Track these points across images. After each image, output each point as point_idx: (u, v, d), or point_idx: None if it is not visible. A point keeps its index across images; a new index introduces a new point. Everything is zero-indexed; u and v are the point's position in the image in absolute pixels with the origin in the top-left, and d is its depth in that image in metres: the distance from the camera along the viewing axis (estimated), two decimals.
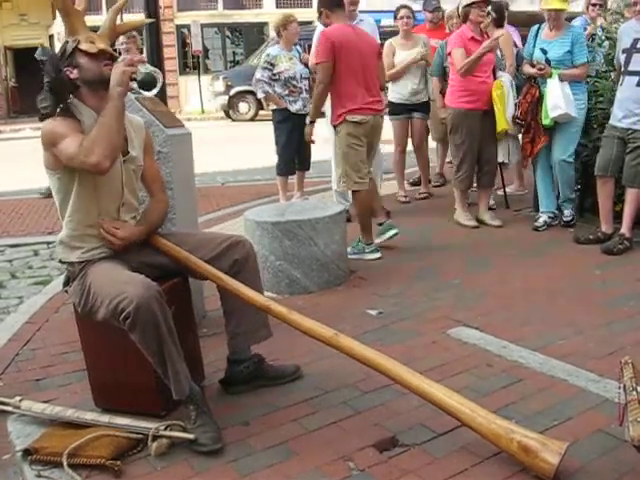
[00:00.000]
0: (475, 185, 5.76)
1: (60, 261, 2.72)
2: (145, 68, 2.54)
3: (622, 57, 4.66)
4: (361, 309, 3.79)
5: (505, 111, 5.23)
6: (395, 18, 6.51)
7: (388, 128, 6.35)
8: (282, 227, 4.08)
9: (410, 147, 6.73)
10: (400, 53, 6.34)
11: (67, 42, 2.58)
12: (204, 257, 2.71)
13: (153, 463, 2.37)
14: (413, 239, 5.22)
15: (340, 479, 2.24)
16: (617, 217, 4.83)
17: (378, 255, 4.74)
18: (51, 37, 23.65)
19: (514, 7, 12.33)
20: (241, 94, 17.64)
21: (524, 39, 6.47)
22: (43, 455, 2.38)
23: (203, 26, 22.47)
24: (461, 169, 5.50)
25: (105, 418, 2.55)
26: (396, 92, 6.35)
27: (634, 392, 2.14)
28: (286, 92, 6.22)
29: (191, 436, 2.42)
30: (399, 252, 4.91)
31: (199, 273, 2.74)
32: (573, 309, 3.68)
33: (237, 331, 2.83)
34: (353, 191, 4.79)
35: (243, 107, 17.95)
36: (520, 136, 5.56)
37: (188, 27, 22.24)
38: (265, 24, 23.21)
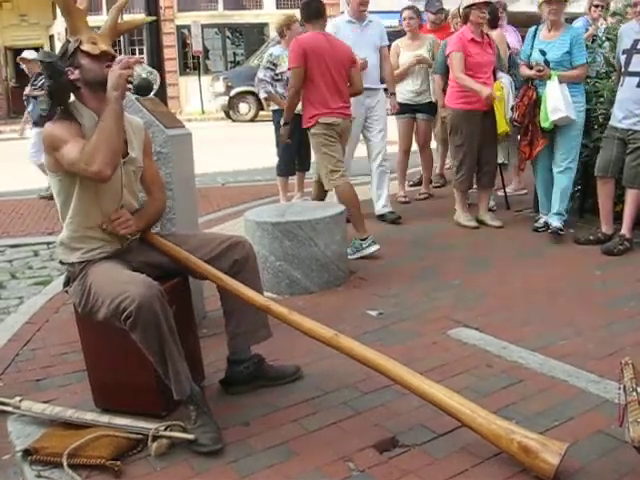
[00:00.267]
0: (475, 186, 5.76)
1: (60, 262, 2.73)
2: (142, 69, 2.53)
3: (622, 58, 4.66)
4: (361, 310, 3.79)
5: (506, 113, 5.22)
6: (401, 19, 6.55)
7: (393, 128, 6.37)
8: (282, 227, 4.08)
9: (414, 147, 6.74)
10: (405, 54, 6.37)
11: (69, 42, 2.58)
12: (204, 257, 2.72)
13: (153, 463, 2.37)
14: (413, 239, 5.22)
15: (340, 479, 2.24)
16: (617, 218, 4.83)
17: (377, 247, 4.76)
18: (51, 37, 23.65)
19: (514, 7, 12.33)
20: (241, 95, 17.65)
21: (523, 39, 6.48)
22: (43, 455, 2.38)
23: (203, 26, 22.48)
24: (461, 170, 5.50)
25: (105, 418, 2.55)
26: (400, 92, 6.36)
27: (634, 393, 2.14)
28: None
29: (191, 436, 2.42)
30: (399, 252, 4.91)
31: (199, 273, 2.75)
32: (573, 310, 3.68)
33: (237, 331, 2.84)
34: (337, 186, 4.90)
35: (243, 108, 17.95)
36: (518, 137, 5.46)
37: (188, 27, 22.24)
38: (265, 25, 23.23)
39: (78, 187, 2.55)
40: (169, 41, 21.57)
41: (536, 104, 4.97)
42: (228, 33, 24.65)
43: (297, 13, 6.98)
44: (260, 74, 6.26)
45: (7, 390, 2.96)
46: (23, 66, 7.55)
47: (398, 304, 3.87)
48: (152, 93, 2.62)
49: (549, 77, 4.86)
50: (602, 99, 5.22)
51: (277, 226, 4.09)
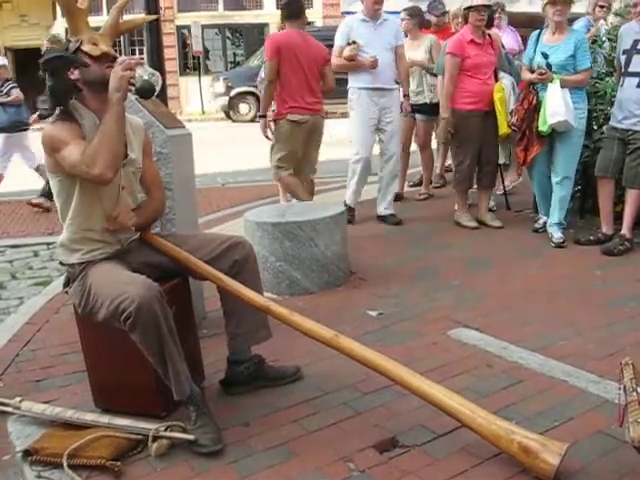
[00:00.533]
0: (475, 186, 5.75)
1: (61, 263, 2.72)
2: (144, 70, 2.52)
3: (622, 58, 4.66)
4: (361, 310, 3.79)
5: (507, 114, 5.21)
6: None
7: None
8: (282, 228, 4.08)
9: (413, 148, 6.74)
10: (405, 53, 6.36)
11: (69, 42, 2.58)
12: (204, 258, 2.71)
13: (153, 464, 2.37)
14: (413, 240, 5.22)
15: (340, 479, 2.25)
16: (617, 218, 4.83)
17: None
18: None
19: (514, 8, 12.32)
20: (241, 95, 17.64)
21: (523, 39, 6.47)
22: (43, 456, 2.38)
23: (203, 27, 22.47)
24: (461, 170, 5.50)
25: (105, 419, 2.55)
26: None
27: (634, 393, 2.14)
28: None
29: (191, 437, 2.42)
30: (399, 253, 4.91)
31: (199, 274, 2.74)
32: (573, 310, 3.68)
33: (237, 332, 2.83)
34: (282, 176, 5.36)
35: (243, 108, 17.94)
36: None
37: (188, 28, 22.23)
38: (265, 25, 23.20)
39: (78, 188, 2.55)
40: (169, 41, 21.54)
41: (536, 109, 4.87)
42: (228, 33, 24.63)
43: None
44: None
45: (7, 390, 2.96)
46: None
47: (398, 304, 3.87)
48: (156, 92, 2.62)
49: (551, 81, 4.75)
50: (602, 99, 5.21)
51: (277, 226, 4.09)
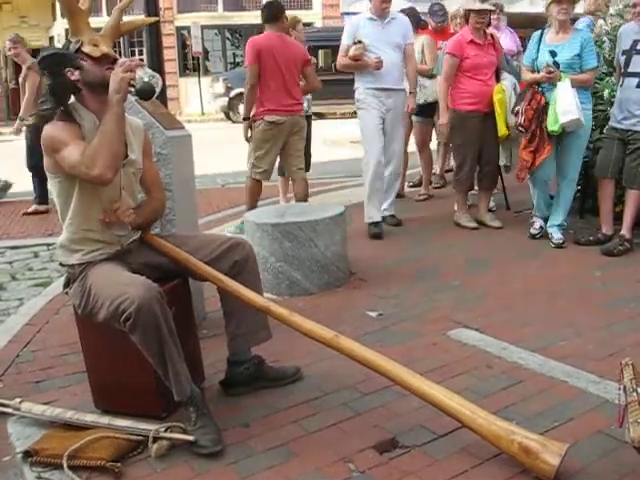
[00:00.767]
0: (476, 187, 5.75)
1: (60, 264, 2.72)
2: (144, 72, 2.52)
3: (622, 58, 4.66)
4: (361, 310, 3.79)
5: (507, 116, 5.18)
6: None
7: None
8: (282, 228, 4.08)
9: (413, 148, 6.74)
10: None
11: (70, 42, 2.58)
12: (204, 258, 2.72)
13: (153, 465, 2.36)
14: (413, 240, 5.22)
15: None
16: (617, 218, 4.83)
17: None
18: (51, 39, 23.65)
19: (515, 9, 12.32)
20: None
21: (522, 40, 6.46)
22: (43, 457, 2.38)
23: (203, 28, 22.48)
24: (461, 171, 5.49)
25: (105, 420, 2.55)
26: None
27: (634, 393, 2.14)
28: None
29: (191, 438, 2.42)
30: (399, 253, 4.92)
31: (199, 274, 2.74)
32: (573, 310, 3.68)
33: (237, 332, 2.83)
34: (250, 178, 5.49)
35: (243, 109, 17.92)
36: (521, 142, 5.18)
37: (188, 29, 22.24)
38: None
39: (78, 189, 2.55)
40: (169, 42, 21.55)
41: (544, 109, 4.74)
42: (228, 34, 24.64)
43: (297, 14, 7.04)
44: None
45: (7, 391, 2.96)
46: None
47: (398, 305, 3.87)
48: (156, 94, 2.62)
49: (559, 79, 4.64)
50: (601, 99, 5.21)
51: (277, 227, 4.09)
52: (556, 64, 4.71)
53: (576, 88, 4.65)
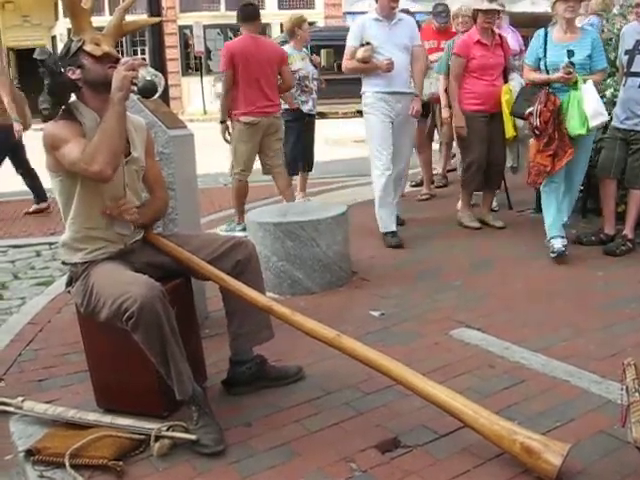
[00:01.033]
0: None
1: (63, 262, 2.72)
2: (147, 71, 2.52)
3: (624, 58, 4.65)
4: (363, 310, 3.79)
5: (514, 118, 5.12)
6: None
7: None
8: (284, 228, 4.09)
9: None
10: None
11: (72, 41, 2.58)
12: (206, 258, 2.72)
13: (155, 464, 2.37)
14: (415, 240, 5.22)
15: None
16: (620, 218, 4.83)
17: (245, 233, 4.79)
18: (54, 38, 23.66)
19: (516, 8, 12.31)
20: None
21: (524, 39, 6.43)
22: (45, 456, 2.38)
23: (205, 27, 22.48)
24: (469, 170, 5.42)
25: (107, 419, 2.55)
26: None
27: (636, 393, 2.14)
28: (298, 91, 6.27)
29: (193, 437, 2.42)
30: (401, 253, 4.92)
31: (201, 274, 2.74)
32: (575, 310, 3.67)
33: (239, 332, 2.83)
34: (235, 179, 5.69)
35: None
36: (531, 144, 4.85)
37: (190, 28, 22.25)
38: (267, 25, 23.20)
39: (79, 187, 2.55)
40: (171, 42, 21.56)
41: (559, 111, 4.49)
42: (230, 34, 24.58)
43: (300, 13, 7.06)
44: None
45: (9, 390, 2.96)
46: None
47: (400, 305, 3.87)
48: (156, 96, 2.62)
49: (575, 81, 4.42)
50: (603, 100, 5.20)
51: (279, 226, 4.10)
52: (572, 64, 4.52)
53: None
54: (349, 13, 22.78)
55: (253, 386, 2.87)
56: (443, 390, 2.40)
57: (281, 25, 21.77)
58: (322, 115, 16.55)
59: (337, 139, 12.60)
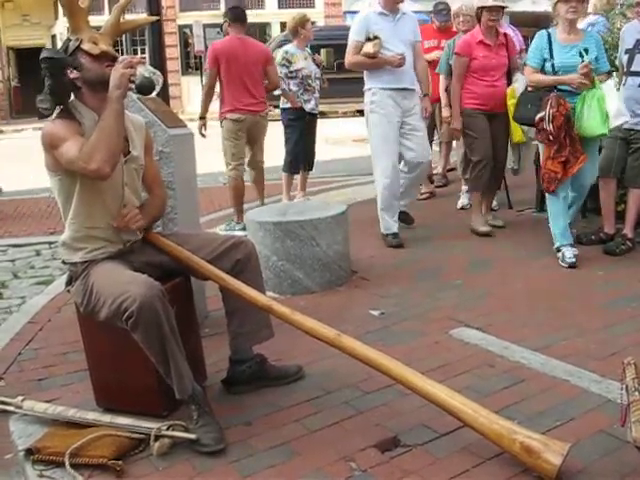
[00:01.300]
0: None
1: (63, 262, 2.72)
2: (145, 69, 2.53)
3: (624, 58, 4.65)
4: (363, 309, 3.79)
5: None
6: None
7: None
8: (284, 227, 4.08)
9: None
10: None
11: (69, 40, 2.58)
12: (206, 257, 2.72)
13: (155, 463, 2.37)
14: (415, 239, 5.21)
15: (342, 479, 2.24)
16: (619, 218, 4.83)
17: (245, 232, 4.80)
18: (53, 37, 23.67)
19: (517, 8, 12.31)
20: None
21: (525, 39, 6.42)
22: (45, 455, 2.38)
23: (205, 26, 22.44)
24: (475, 169, 5.27)
25: (107, 418, 2.55)
26: None
27: (636, 393, 2.14)
28: (301, 90, 6.29)
29: (193, 436, 2.42)
30: (401, 252, 4.91)
31: (201, 273, 2.74)
32: (575, 310, 3.67)
33: (239, 331, 2.83)
34: (231, 179, 5.84)
35: None
36: (542, 151, 4.62)
37: (190, 27, 22.23)
38: (267, 24, 23.21)
39: (79, 187, 2.55)
40: (171, 41, 21.58)
41: (570, 115, 4.34)
42: None
43: (304, 13, 7.08)
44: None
45: (9, 390, 2.96)
46: None
47: (400, 304, 3.87)
48: (154, 93, 2.62)
49: (593, 83, 4.29)
50: None
51: (279, 226, 4.09)
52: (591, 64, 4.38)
53: None
54: (349, 12, 22.77)
55: (253, 385, 2.87)
56: (443, 389, 2.40)
57: (281, 24, 21.82)
58: (322, 114, 16.52)
59: (337, 138, 12.60)
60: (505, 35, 5.34)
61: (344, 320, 3.54)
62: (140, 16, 4.10)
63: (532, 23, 7.81)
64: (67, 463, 2.31)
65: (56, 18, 22.50)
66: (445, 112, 6.07)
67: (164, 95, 4.26)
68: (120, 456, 2.35)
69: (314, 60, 6.51)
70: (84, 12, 2.61)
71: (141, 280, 2.43)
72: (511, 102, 5.02)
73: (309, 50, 6.59)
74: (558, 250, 4.53)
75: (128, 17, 2.78)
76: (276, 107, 7.24)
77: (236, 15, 5.79)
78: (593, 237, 4.85)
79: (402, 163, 5.25)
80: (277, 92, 6.46)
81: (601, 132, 4.36)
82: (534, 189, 5.95)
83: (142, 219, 2.68)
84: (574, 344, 3.21)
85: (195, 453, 2.40)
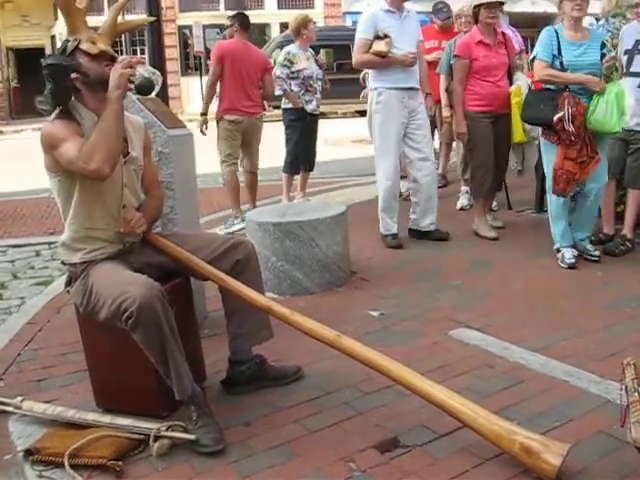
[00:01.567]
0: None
1: (62, 262, 2.72)
2: (144, 69, 2.53)
3: (624, 58, 4.65)
4: (363, 310, 3.79)
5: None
6: None
7: None
8: (283, 228, 4.08)
9: None
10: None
11: (68, 41, 2.57)
12: (206, 258, 2.71)
13: (154, 464, 2.37)
14: (414, 240, 5.21)
15: None
16: (619, 218, 4.83)
17: (242, 225, 5.15)
18: (53, 38, 23.65)
19: (516, 8, 12.32)
20: None
21: (524, 40, 6.42)
22: (44, 455, 2.38)
23: (205, 27, 22.45)
24: (478, 174, 5.22)
25: (106, 419, 2.55)
26: None
27: (636, 393, 2.14)
28: (302, 91, 6.30)
29: (192, 437, 2.42)
30: (400, 253, 4.92)
31: (201, 274, 2.74)
32: (574, 310, 3.67)
33: (239, 332, 2.83)
34: (225, 173, 6.02)
35: None
36: (544, 150, 4.57)
37: (190, 28, 22.23)
38: (267, 25, 23.22)
39: (78, 188, 2.55)
40: (170, 41, 21.57)
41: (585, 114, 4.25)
42: None
43: (306, 13, 7.11)
44: (277, 71, 6.30)
45: (8, 390, 2.96)
46: None
47: (399, 305, 3.87)
48: (154, 93, 2.62)
49: (610, 80, 4.24)
50: None
51: (278, 226, 4.09)
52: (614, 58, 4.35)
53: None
54: (349, 13, 22.79)
55: (252, 386, 2.87)
56: (442, 390, 2.40)
57: (280, 25, 21.83)
58: (322, 115, 16.54)
59: (336, 139, 12.60)
60: (503, 34, 5.28)
61: (343, 321, 3.54)
62: (140, 17, 4.12)
63: (531, 24, 7.81)
64: (66, 464, 2.31)
65: (56, 19, 22.46)
66: (445, 112, 6.07)
67: (163, 96, 4.27)
68: (119, 457, 2.35)
69: (316, 61, 6.51)
70: (82, 12, 2.61)
71: (141, 281, 2.43)
72: (515, 101, 4.95)
73: (312, 51, 6.59)
74: (558, 251, 4.53)
75: (128, 18, 2.78)
76: (277, 108, 7.24)
77: (243, 22, 6.05)
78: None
79: (409, 181, 5.28)
80: (278, 92, 6.47)
81: (617, 130, 4.27)
82: (534, 190, 5.96)
83: (145, 222, 2.68)
84: (574, 345, 3.22)
85: (194, 454, 2.40)
